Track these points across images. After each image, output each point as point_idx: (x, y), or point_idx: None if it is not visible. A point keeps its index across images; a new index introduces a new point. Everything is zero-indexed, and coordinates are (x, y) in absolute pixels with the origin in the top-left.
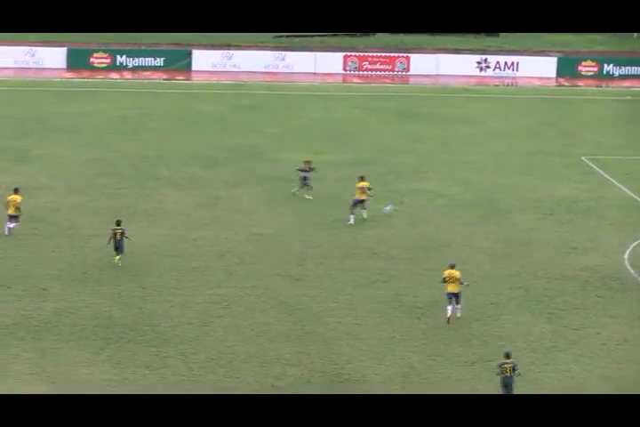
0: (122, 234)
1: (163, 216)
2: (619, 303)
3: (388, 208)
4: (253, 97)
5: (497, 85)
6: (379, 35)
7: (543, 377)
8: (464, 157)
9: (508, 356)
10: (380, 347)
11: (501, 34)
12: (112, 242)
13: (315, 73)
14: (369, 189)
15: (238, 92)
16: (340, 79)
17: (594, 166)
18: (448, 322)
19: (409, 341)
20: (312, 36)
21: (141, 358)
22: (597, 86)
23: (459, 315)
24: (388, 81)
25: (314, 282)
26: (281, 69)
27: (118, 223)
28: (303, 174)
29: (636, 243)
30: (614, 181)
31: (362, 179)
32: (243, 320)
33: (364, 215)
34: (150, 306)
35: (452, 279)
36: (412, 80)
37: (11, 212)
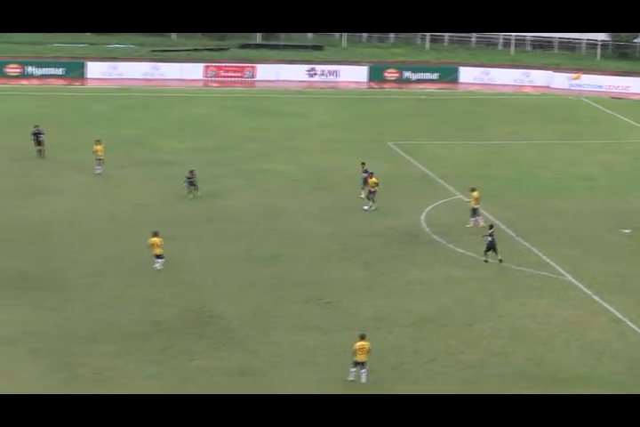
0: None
1: (64, 191)
2: (416, 254)
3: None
4: (135, 98)
5: (323, 88)
6: (231, 49)
7: (361, 311)
8: (298, 143)
9: (491, 226)
10: (235, 290)
11: (325, 47)
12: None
13: (182, 79)
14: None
15: (123, 95)
16: (201, 84)
17: (397, 150)
18: None
19: (257, 285)
20: (180, 50)
21: (49, 302)
22: (399, 88)
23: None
24: (239, 85)
25: (185, 241)
26: (156, 77)
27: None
28: (364, 175)
29: (430, 207)
30: (413, 161)
31: (473, 190)
32: (129, 272)
33: (480, 222)
34: (55, 262)
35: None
36: (257, 85)
37: None
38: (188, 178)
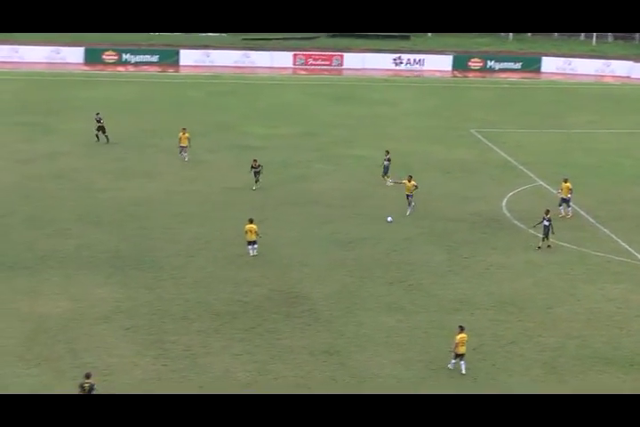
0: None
1: (157, 175)
2: (498, 238)
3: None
4: (226, 85)
5: (408, 77)
6: (320, 38)
7: (442, 293)
8: (383, 130)
9: (547, 212)
10: (321, 272)
11: (411, 37)
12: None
13: (271, 67)
14: None
15: (215, 82)
16: (290, 72)
17: (480, 137)
18: None
19: (343, 267)
20: (270, 39)
21: (142, 281)
22: (482, 77)
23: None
24: (327, 73)
25: (272, 223)
26: (247, 64)
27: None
28: (386, 164)
29: (511, 193)
30: (495, 148)
31: (565, 180)
32: (219, 252)
33: (569, 213)
34: (148, 241)
35: None
36: (344, 73)
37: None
38: (253, 167)
